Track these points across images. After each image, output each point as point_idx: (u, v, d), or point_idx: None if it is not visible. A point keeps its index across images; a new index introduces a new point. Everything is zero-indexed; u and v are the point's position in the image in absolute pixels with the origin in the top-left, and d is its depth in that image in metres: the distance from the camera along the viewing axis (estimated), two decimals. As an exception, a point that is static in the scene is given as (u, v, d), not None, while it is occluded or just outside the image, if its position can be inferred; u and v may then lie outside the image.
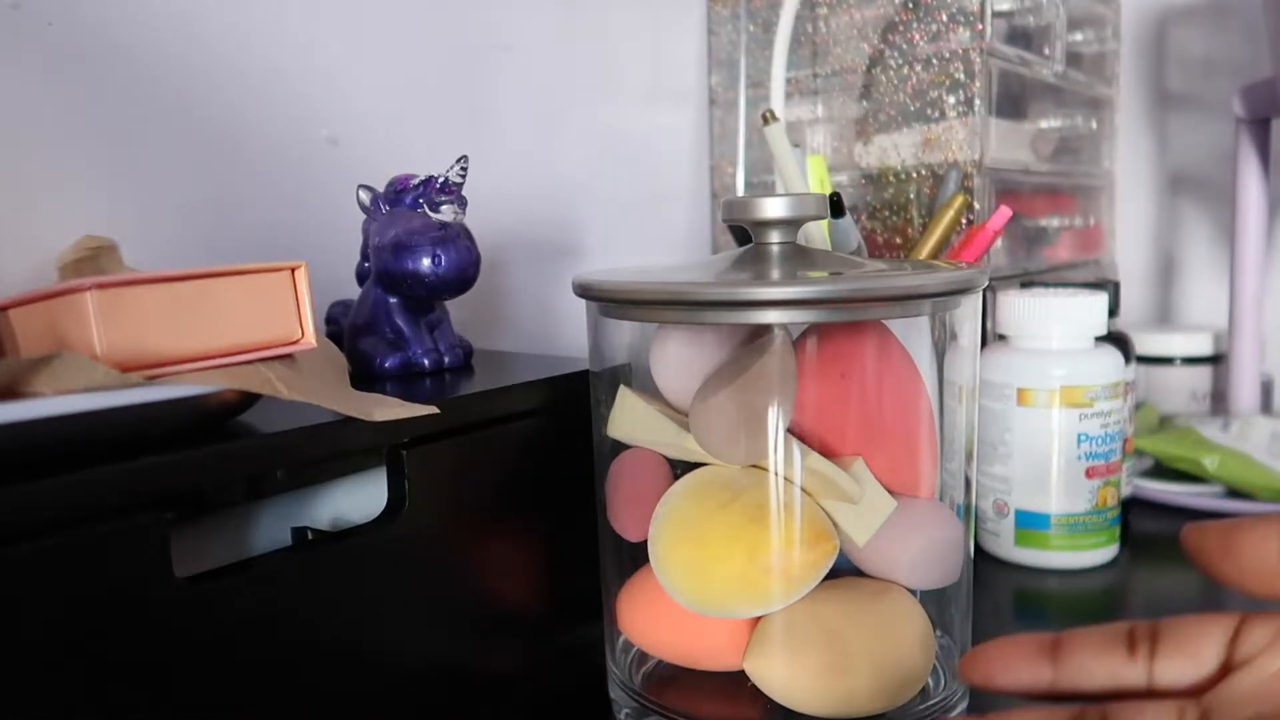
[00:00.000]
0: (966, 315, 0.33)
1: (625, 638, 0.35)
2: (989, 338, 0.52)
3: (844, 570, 0.32)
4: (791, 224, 0.32)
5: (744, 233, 0.56)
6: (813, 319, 0.30)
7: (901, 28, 0.59)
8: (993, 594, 0.47)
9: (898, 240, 0.60)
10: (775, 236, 0.32)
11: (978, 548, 0.51)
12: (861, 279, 0.29)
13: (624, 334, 0.35)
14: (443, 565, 0.34)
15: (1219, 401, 0.71)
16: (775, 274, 0.31)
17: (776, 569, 0.30)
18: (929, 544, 0.32)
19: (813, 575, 0.30)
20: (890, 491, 0.31)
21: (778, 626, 0.31)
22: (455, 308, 0.42)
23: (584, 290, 0.32)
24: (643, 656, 0.36)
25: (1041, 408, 0.48)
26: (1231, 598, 0.50)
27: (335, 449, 0.31)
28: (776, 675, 0.31)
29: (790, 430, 0.31)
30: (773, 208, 0.31)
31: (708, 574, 0.31)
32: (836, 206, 0.45)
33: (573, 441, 0.38)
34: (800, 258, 0.32)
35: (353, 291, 0.42)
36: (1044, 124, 0.68)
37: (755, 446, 0.30)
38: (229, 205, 0.47)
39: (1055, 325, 0.48)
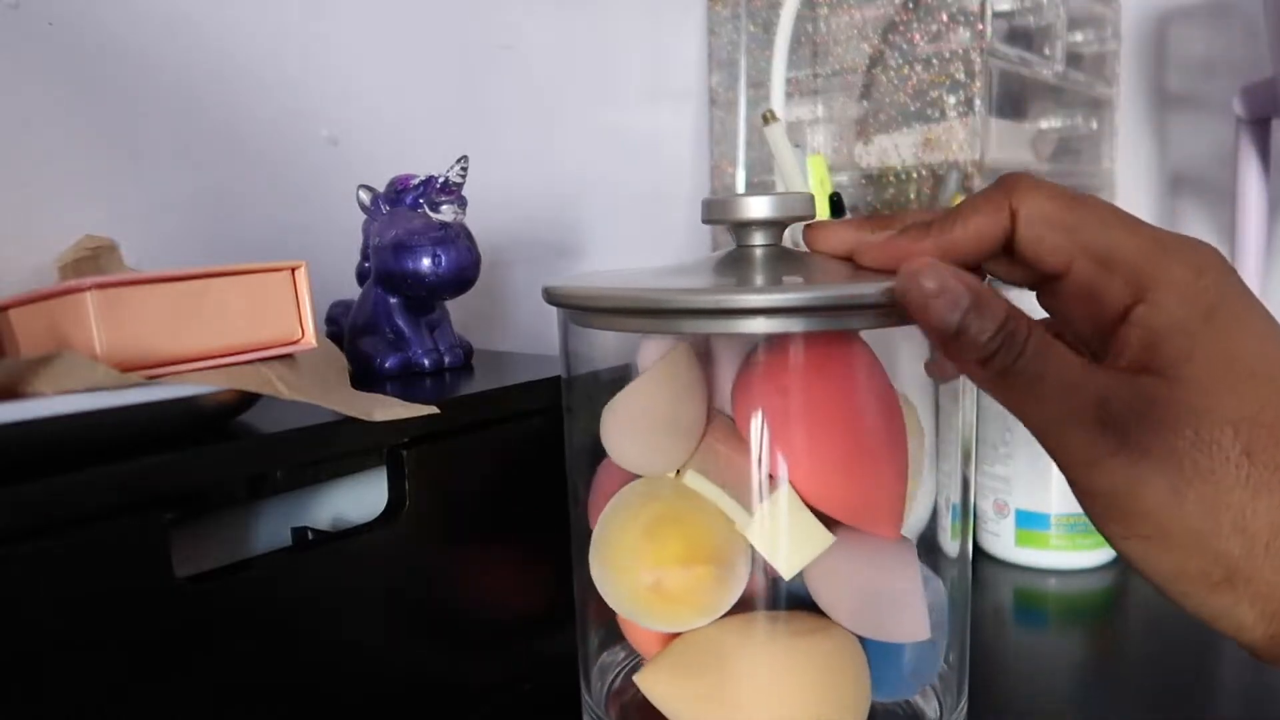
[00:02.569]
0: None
1: (600, 659, 0.34)
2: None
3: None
4: (775, 225, 0.30)
5: (744, 233, 0.56)
6: (779, 329, 0.27)
7: (902, 28, 0.59)
8: (993, 594, 0.47)
9: (898, 240, 0.60)
10: (759, 239, 0.30)
11: (977, 548, 0.51)
12: (838, 285, 0.26)
13: (597, 342, 0.33)
14: (442, 565, 0.34)
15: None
16: (758, 279, 0.28)
17: (659, 586, 0.29)
18: (875, 590, 0.29)
19: (692, 598, 0.29)
20: (838, 525, 0.29)
21: (676, 645, 0.30)
22: (455, 308, 0.42)
23: (551, 297, 0.30)
24: (623, 684, 0.34)
25: (1041, 408, 0.48)
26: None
27: (335, 449, 0.31)
28: (658, 691, 0.30)
29: (721, 445, 0.29)
30: (755, 208, 0.29)
31: (616, 585, 0.30)
32: (836, 206, 0.45)
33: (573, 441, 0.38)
34: (784, 261, 0.30)
35: (353, 291, 0.42)
36: (1044, 124, 0.68)
37: (648, 455, 0.30)
38: (229, 205, 0.47)
39: (1055, 325, 0.48)
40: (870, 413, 0.29)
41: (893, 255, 0.26)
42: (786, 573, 0.29)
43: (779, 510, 0.29)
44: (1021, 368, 0.22)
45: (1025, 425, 0.23)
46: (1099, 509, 0.23)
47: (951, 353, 0.23)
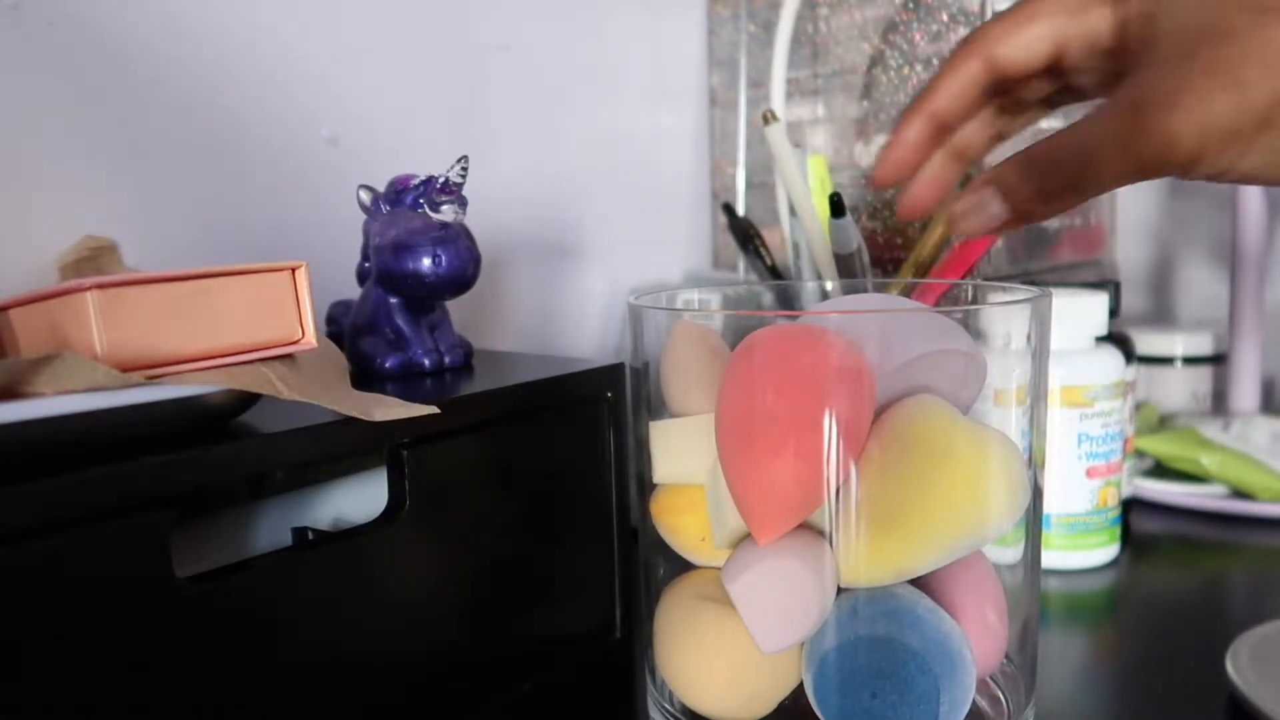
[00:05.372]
0: (1003, 317, 0.32)
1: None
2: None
3: None
4: None
5: (744, 233, 0.56)
6: None
7: (902, 28, 0.59)
8: (993, 594, 0.47)
9: (898, 240, 0.60)
10: None
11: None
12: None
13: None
14: (443, 565, 0.34)
15: (1219, 401, 0.71)
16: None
17: (666, 525, 0.34)
18: (752, 582, 0.30)
19: (681, 537, 0.33)
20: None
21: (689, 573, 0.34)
22: (455, 308, 0.42)
23: None
24: None
25: (1042, 408, 0.48)
26: (1234, 597, 0.50)
27: (335, 449, 0.31)
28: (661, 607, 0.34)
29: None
30: None
31: (661, 527, 0.34)
32: (837, 206, 0.45)
33: (573, 441, 0.38)
34: None
35: (353, 291, 0.42)
36: (1044, 123, 0.67)
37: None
38: (229, 205, 0.47)
39: (1055, 325, 0.48)
40: (782, 417, 0.29)
41: (897, 165, 0.30)
42: (714, 542, 0.32)
43: (713, 483, 0.31)
44: (1073, 166, 0.25)
45: (1137, 175, 0.25)
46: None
47: (1053, 210, 0.27)
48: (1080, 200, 0.26)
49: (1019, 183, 0.26)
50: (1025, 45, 0.28)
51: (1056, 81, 0.29)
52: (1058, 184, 0.25)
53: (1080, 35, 0.27)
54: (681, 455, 0.33)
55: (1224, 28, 0.23)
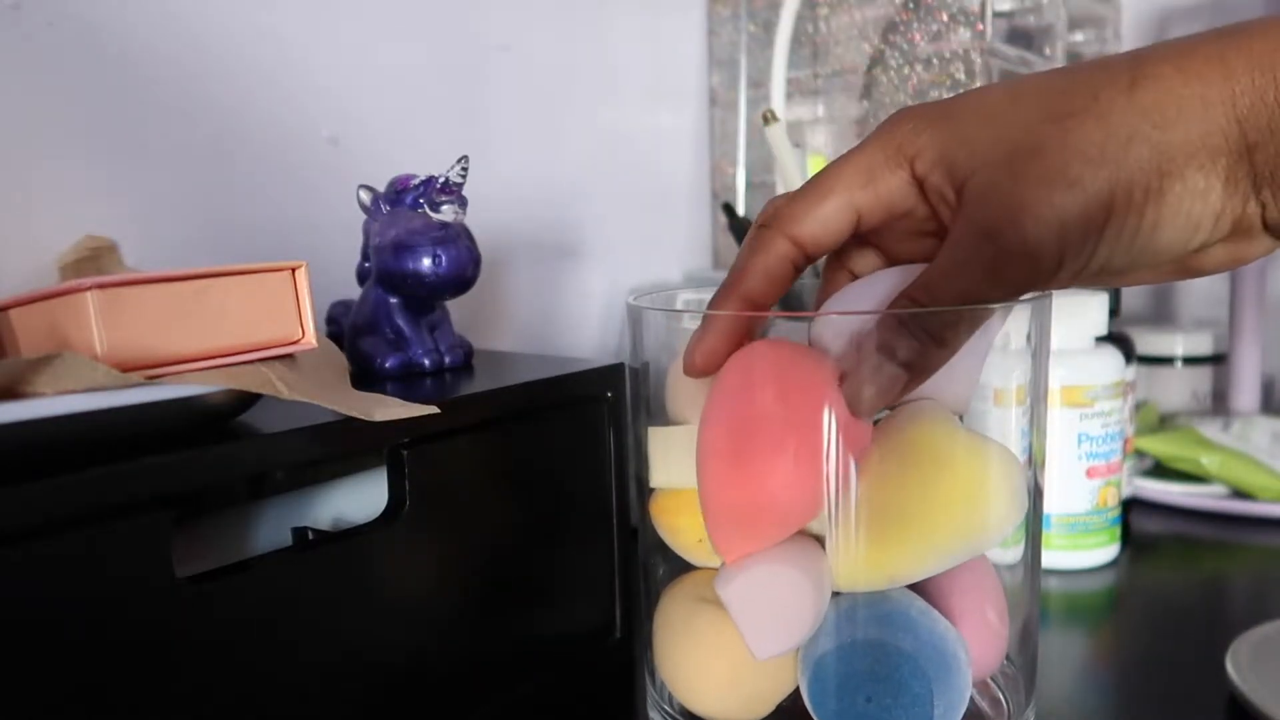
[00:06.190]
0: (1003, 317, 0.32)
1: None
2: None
3: None
4: None
5: (744, 233, 0.56)
6: None
7: (902, 28, 0.59)
8: (993, 594, 0.47)
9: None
10: None
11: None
12: None
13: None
14: (443, 565, 0.34)
15: (1219, 401, 0.71)
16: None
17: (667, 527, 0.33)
18: (747, 584, 0.29)
19: (679, 538, 0.32)
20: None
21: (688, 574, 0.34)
22: (455, 308, 0.42)
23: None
24: None
25: (1042, 408, 0.48)
26: (1234, 597, 0.50)
27: (335, 449, 0.31)
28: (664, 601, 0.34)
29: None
30: None
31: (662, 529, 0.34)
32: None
33: (573, 441, 0.38)
34: None
35: (353, 291, 0.42)
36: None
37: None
38: (229, 205, 0.47)
39: (1055, 325, 0.48)
40: (747, 436, 0.28)
41: (712, 356, 0.29)
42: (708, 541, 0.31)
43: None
44: (951, 304, 0.25)
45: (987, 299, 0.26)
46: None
47: (947, 352, 0.27)
48: (967, 334, 0.26)
49: (903, 338, 0.26)
50: (823, 222, 0.28)
51: (860, 243, 0.30)
52: (941, 326, 0.26)
53: (873, 204, 0.27)
54: (679, 464, 0.32)
55: (1033, 144, 0.23)
